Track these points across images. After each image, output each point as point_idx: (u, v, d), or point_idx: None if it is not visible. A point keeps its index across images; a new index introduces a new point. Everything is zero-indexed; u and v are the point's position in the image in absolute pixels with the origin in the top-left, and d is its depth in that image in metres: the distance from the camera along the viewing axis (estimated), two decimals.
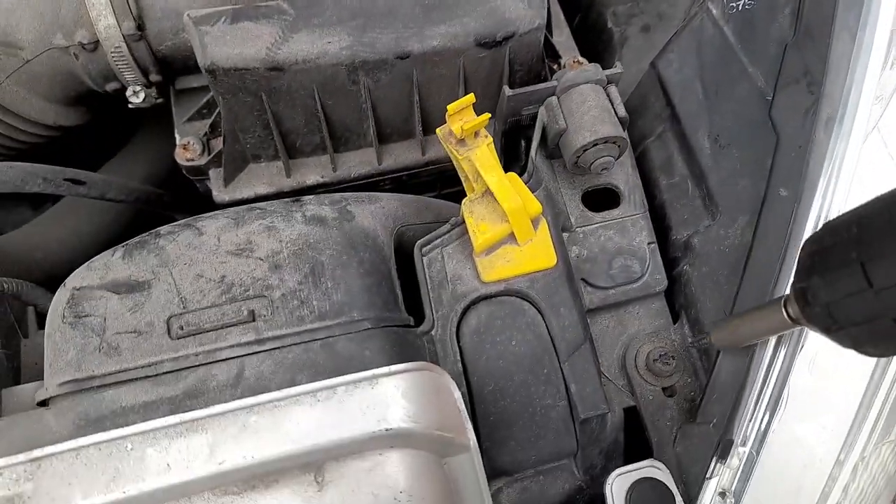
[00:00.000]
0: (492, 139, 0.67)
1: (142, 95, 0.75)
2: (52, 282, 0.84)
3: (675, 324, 0.72)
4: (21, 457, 0.48)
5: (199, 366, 0.55)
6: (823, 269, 0.40)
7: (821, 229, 0.43)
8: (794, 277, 0.45)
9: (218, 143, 0.78)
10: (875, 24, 0.63)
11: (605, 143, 0.67)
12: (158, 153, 0.95)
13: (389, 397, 0.52)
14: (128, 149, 0.96)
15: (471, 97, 0.63)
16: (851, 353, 0.65)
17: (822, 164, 0.62)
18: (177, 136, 0.79)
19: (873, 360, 0.65)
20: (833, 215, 0.61)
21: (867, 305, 0.36)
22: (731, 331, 0.59)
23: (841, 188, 0.61)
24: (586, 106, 0.68)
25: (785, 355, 0.63)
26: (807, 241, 0.44)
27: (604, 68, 0.73)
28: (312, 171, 0.80)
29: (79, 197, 0.78)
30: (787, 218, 0.62)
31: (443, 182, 0.88)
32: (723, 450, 0.63)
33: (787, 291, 0.48)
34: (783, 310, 0.48)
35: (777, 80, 0.67)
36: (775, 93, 0.66)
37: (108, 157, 0.95)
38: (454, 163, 0.67)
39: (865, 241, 0.36)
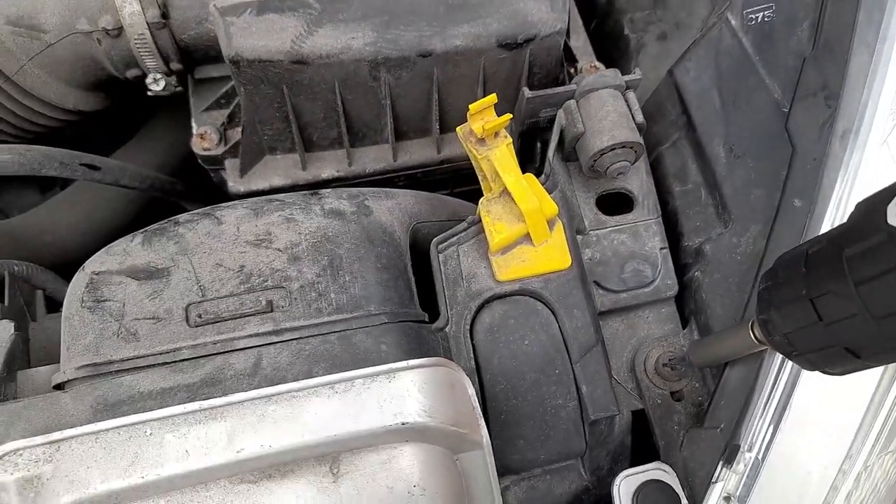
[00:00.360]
0: (511, 140, 0.67)
1: (162, 83, 0.75)
2: (61, 266, 0.84)
3: (684, 329, 0.73)
4: (40, 439, 0.48)
5: (216, 354, 0.55)
6: (779, 304, 0.43)
7: (775, 263, 0.46)
8: (756, 308, 0.47)
9: (235, 134, 0.79)
10: (894, 41, 0.64)
11: (623, 147, 0.68)
12: (171, 141, 0.95)
13: (406, 392, 0.52)
14: (141, 136, 0.96)
15: (493, 97, 0.64)
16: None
17: (836, 176, 0.63)
18: (194, 125, 0.79)
19: (879, 371, 0.66)
20: None
21: (820, 337, 0.40)
22: (706, 350, 0.61)
23: (854, 200, 0.62)
24: (605, 110, 0.69)
25: (793, 364, 0.64)
26: (763, 275, 0.47)
27: (621, 74, 0.74)
28: (328, 164, 0.80)
29: (93, 182, 0.78)
30: (801, 228, 0.63)
31: (456, 180, 0.89)
32: (729, 455, 0.64)
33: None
34: (751, 333, 0.51)
35: (794, 92, 0.67)
36: (792, 105, 0.67)
37: (121, 143, 0.95)
38: (472, 162, 0.68)
39: (813, 279, 0.39)
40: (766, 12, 0.73)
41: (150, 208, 0.96)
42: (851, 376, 0.66)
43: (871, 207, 0.35)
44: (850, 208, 0.62)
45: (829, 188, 0.63)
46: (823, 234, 0.40)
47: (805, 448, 0.65)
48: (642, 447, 0.70)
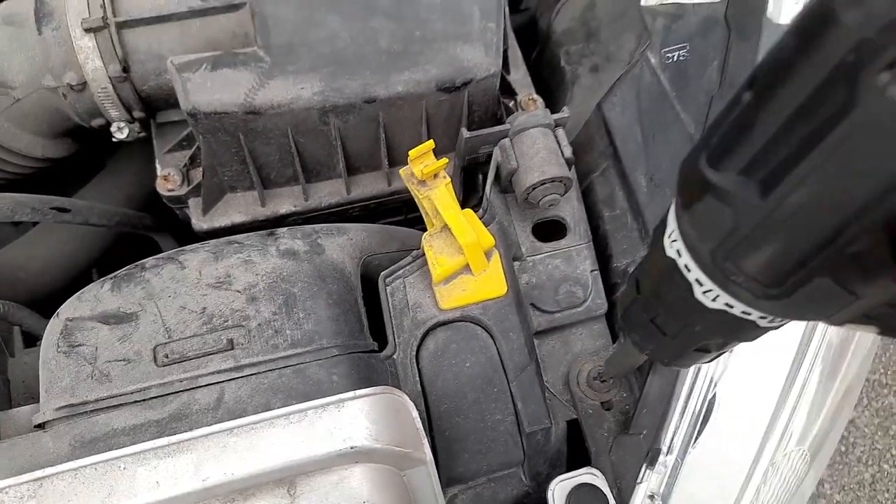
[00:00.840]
0: (450, 180, 0.74)
1: (126, 131, 0.80)
2: (35, 301, 0.89)
3: (614, 343, 0.80)
4: (25, 477, 0.54)
5: (183, 391, 0.61)
6: (631, 327, 0.48)
7: (622, 290, 0.51)
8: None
9: (197, 174, 0.84)
10: None
11: (553, 182, 0.74)
12: (138, 176, 0.99)
13: (354, 419, 0.59)
14: (108, 171, 1.00)
15: (430, 144, 0.70)
16: (765, 372, 0.75)
17: None
18: (158, 167, 0.84)
19: (782, 380, 0.74)
20: None
21: (673, 348, 0.45)
22: (613, 362, 0.66)
23: None
24: (535, 148, 0.75)
25: (707, 373, 0.72)
26: (616, 299, 0.52)
27: (557, 103, 0.80)
28: (286, 200, 0.86)
29: (64, 223, 0.83)
30: None
31: (408, 208, 0.95)
32: (651, 458, 0.71)
33: None
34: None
35: (704, 126, 0.75)
36: None
37: (89, 179, 0.99)
38: (416, 200, 0.74)
39: (649, 303, 0.43)
40: (681, 52, 0.80)
41: (120, 240, 1.00)
42: (757, 385, 0.74)
43: (656, 240, 0.39)
44: None
45: None
46: (645, 257, 0.44)
47: (719, 449, 0.73)
48: (578, 453, 0.78)
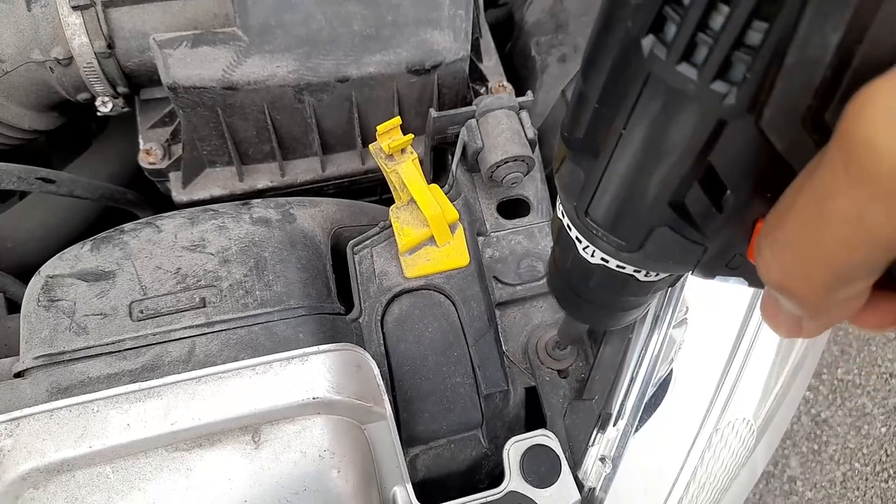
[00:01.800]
0: (416, 155, 0.78)
1: (110, 105, 0.83)
2: (20, 271, 0.92)
3: None
4: (2, 417, 0.57)
5: (156, 344, 0.65)
6: (561, 301, 0.52)
7: (548, 271, 0.55)
8: None
9: (178, 149, 0.88)
10: None
11: (515, 160, 0.78)
12: (121, 154, 1.03)
13: (317, 371, 0.62)
14: (93, 149, 1.04)
15: (397, 120, 0.74)
16: (712, 340, 0.79)
17: None
18: (140, 141, 0.88)
19: (728, 347, 0.79)
20: None
21: (596, 311, 0.49)
22: (562, 331, 0.71)
23: None
24: (500, 129, 0.79)
25: (656, 342, 0.76)
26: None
27: (527, 91, 0.84)
28: (263, 176, 0.90)
29: (48, 193, 0.86)
30: None
31: (383, 188, 0.99)
32: (602, 422, 0.75)
33: None
34: None
35: None
36: None
37: (76, 156, 1.03)
38: (384, 174, 0.78)
39: (564, 274, 0.46)
40: None
41: (104, 215, 1.04)
42: (703, 354, 0.78)
43: (553, 204, 0.43)
44: None
45: None
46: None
47: (668, 413, 0.77)
48: (536, 420, 0.81)
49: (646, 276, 0.38)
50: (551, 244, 0.84)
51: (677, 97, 0.24)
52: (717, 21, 0.22)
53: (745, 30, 0.21)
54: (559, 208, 0.40)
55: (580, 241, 0.38)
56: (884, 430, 2.25)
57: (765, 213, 0.26)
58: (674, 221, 0.30)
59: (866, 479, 2.20)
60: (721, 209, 0.28)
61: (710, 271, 0.34)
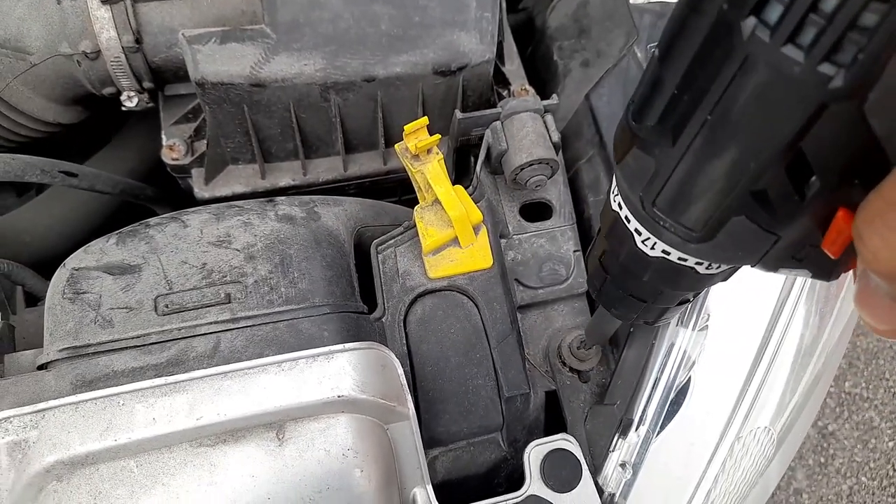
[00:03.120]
0: (442, 156, 0.78)
1: (135, 100, 0.84)
2: (38, 264, 0.92)
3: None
4: (27, 408, 0.57)
5: (181, 339, 0.65)
6: (611, 303, 0.51)
7: (589, 273, 0.53)
8: None
9: (201, 146, 0.88)
10: None
11: (539, 163, 0.78)
12: (143, 149, 1.03)
13: (342, 370, 0.62)
14: (114, 144, 1.04)
15: (424, 120, 0.74)
16: (735, 347, 0.78)
17: None
18: (164, 137, 0.88)
19: (751, 357, 0.78)
20: None
21: (651, 310, 0.48)
22: (592, 331, 0.69)
23: None
24: (525, 131, 0.79)
25: (679, 348, 0.75)
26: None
27: (548, 96, 0.84)
28: (285, 174, 0.89)
29: (70, 187, 0.86)
30: None
31: (403, 189, 0.99)
32: (623, 428, 0.75)
33: None
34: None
35: None
36: None
37: (97, 150, 1.03)
38: (409, 174, 0.78)
39: (617, 277, 0.46)
40: None
41: (121, 211, 1.04)
42: (730, 367, 0.78)
43: (606, 196, 0.42)
44: None
45: None
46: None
47: (689, 421, 0.77)
48: (556, 425, 0.81)
49: (707, 268, 0.37)
50: (574, 248, 0.84)
51: (779, 80, 0.24)
52: (829, 2, 0.21)
53: (862, 11, 0.21)
54: (614, 200, 0.39)
55: (639, 234, 0.37)
56: (891, 444, 2.23)
57: (847, 200, 0.26)
58: (751, 210, 0.29)
59: (873, 494, 2.18)
60: (803, 196, 0.27)
61: (775, 263, 0.33)
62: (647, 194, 0.34)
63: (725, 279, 0.42)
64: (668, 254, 0.37)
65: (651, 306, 0.47)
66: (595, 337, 0.69)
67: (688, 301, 0.47)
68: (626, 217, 0.38)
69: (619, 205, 0.38)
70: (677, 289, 0.43)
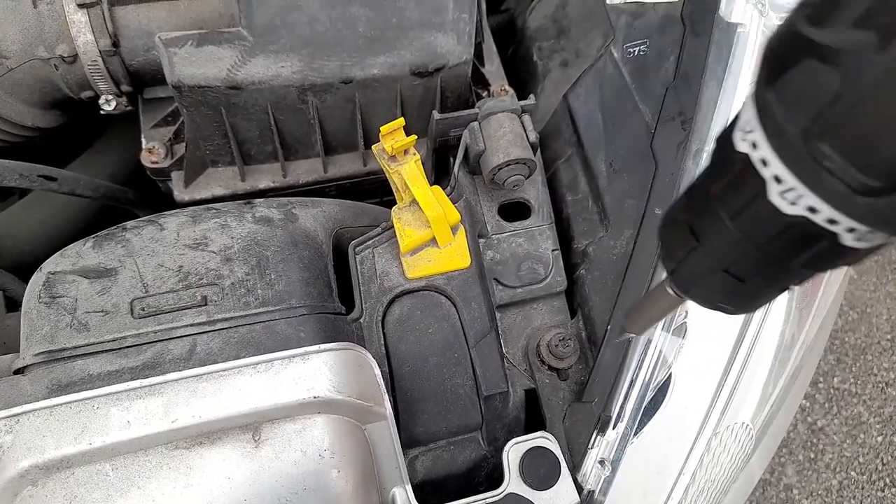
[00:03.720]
0: (419, 157, 0.78)
1: (113, 104, 0.84)
2: (20, 269, 0.92)
3: (572, 318, 0.84)
4: (2, 413, 0.57)
5: (157, 342, 0.65)
6: (693, 282, 0.42)
7: (661, 249, 0.45)
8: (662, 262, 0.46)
9: (180, 149, 0.88)
10: (738, 74, 0.77)
11: (517, 163, 0.79)
12: (123, 153, 1.03)
13: (318, 370, 0.62)
14: (95, 148, 1.04)
15: (401, 121, 0.74)
16: (712, 344, 0.79)
17: None
18: (143, 140, 0.88)
19: (727, 352, 0.79)
20: None
21: (749, 291, 0.38)
22: (638, 317, 0.57)
23: None
24: (502, 131, 0.79)
25: (655, 347, 0.76)
26: (659, 256, 0.49)
27: (529, 95, 0.85)
28: (265, 176, 0.90)
29: (50, 191, 0.86)
30: None
31: (383, 190, 0.99)
32: (602, 425, 0.75)
33: None
34: (668, 289, 0.47)
35: (658, 116, 0.79)
36: (656, 127, 0.79)
37: (77, 155, 1.03)
38: (386, 175, 0.79)
39: (691, 205, 0.39)
40: (641, 47, 0.85)
41: (103, 214, 1.04)
42: (702, 358, 0.79)
43: (723, 139, 0.34)
44: None
45: None
46: (699, 176, 0.38)
47: (667, 418, 0.77)
48: (536, 423, 0.81)
49: (858, 239, 0.30)
50: (552, 247, 0.84)
51: None
52: None
53: None
54: (743, 139, 0.31)
55: (779, 182, 0.30)
56: (880, 438, 2.25)
57: None
58: None
59: (862, 488, 2.20)
60: None
61: None
62: (817, 123, 0.27)
63: (861, 259, 0.33)
64: (815, 212, 0.29)
65: (746, 288, 0.37)
66: (640, 324, 0.58)
67: (789, 288, 0.38)
68: (763, 160, 0.30)
69: (753, 144, 0.30)
70: (803, 265, 0.34)
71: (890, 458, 2.23)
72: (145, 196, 1.01)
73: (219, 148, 0.85)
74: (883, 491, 2.20)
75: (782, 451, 2.24)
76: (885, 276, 2.49)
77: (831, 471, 2.22)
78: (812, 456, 2.24)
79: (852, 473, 2.22)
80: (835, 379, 2.35)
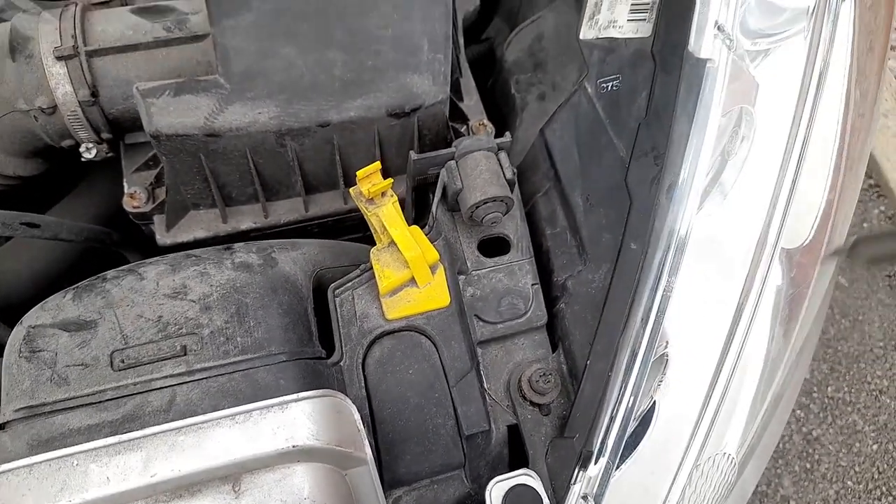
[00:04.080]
0: (396, 198, 0.79)
1: (94, 151, 0.85)
2: (5, 313, 0.92)
3: (553, 353, 0.85)
4: None
5: (136, 394, 0.65)
6: None
7: None
8: None
9: (162, 193, 0.89)
10: (709, 110, 0.78)
11: (494, 201, 0.80)
12: (106, 197, 1.04)
13: (296, 419, 0.63)
14: (77, 192, 1.04)
15: (377, 165, 0.75)
16: (689, 378, 0.79)
17: (663, 223, 0.75)
18: (125, 185, 0.89)
19: (706, 382, 0.79)
20: (671, 267, 0.75)
21: None
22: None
23: (677, 243, 0.75)
24: (479, 170, 0.80)
25: (634, 380, 0.76)
26: None
27: (506, 128, 0.86)
28: (247, 217, 0.91)
29: (33, 238, 0.87)
30: (636, 267, 0.76)
31: (366, 226, 1.00)
32: (584, 460, 0.76)
33: None
34: None
35: (632, 151, 0.81)
36: (630, 162, 0.80)
37: (61, 198, 1.04)
38: (365, 217, 0.79)
39: None
40: (614, 82, 0.86)
41: (89, 254, 1.04)
42: (679, 386, 0.79)
43: None
44: (674, 250, 0.76)
45: (658, 234, 0.76)
46: None
47: (647, 451, 0.78)
48: (520, 458, 0.82)
49: None
50: (532, 281, 0.85)
51: None
52: None
53: None
54: None
55: None
56: (875, 447, 2.25)
57: None
58: None
59: (859, 497, 2.20)
60: None
61: None
62: None
63: None
64: None
65: None
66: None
67: None
68: None
69: None
70: None
71: (886, 466, 2.24)
72: (130, 237, 1.01)
73: (199, 192, 0.86)
74: (880, 500, 2.20)
75: (778, 462, 2.24)
76: (876, 283, 2.50)
77: (828, 481, 2.22)
78: (808, 466, 2.24)
79: (849, 483, 2.22)
80: (829, 388, 2.36)
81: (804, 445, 2.28)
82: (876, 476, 2.24)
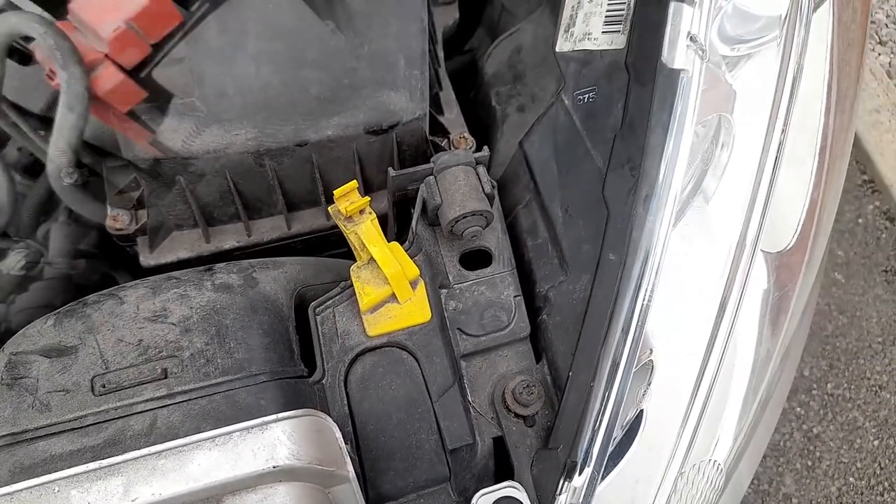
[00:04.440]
0: (375, 215, 0.80)
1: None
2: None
3: (537, 363, 0.85)
4: None
5: (118, 418, 0.66)
6: None
7: None
8: None
9: (145, 214, 0.89)
10: (683, 121, 0.78)
11: (473, 215, 0.80)
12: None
13: (277, 440, 0.63)
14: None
15: (354, 183, 0.76)
16: (673, 385, 0.80)
17: (640, 234, 0.76)
18: (108, 208, 0.90)
19: (688, 393, 0.80)
20: (651, 276, 0.75)
21: None
22: None
23: (655, 254, 0.76)
24: (457, 185, 0.81)
25: (616, 390, 0.77)
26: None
27: (488, 140, 0.86)
28: (230, 236, 0.91)
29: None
30: (615, 278, 0.76)
31: None
32: (569, 471, 0.76)
33: None
34: None
35: (608, 163, 0.81)
36: (607, 174, 0.81)
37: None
38: (344, 235, 0.80)
39: None
40: (590, 94, 0.87)
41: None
42: (667, 395, 0.79)
43: None
44: (651, 261, 0.76)
45: (635, 244, 0.76)
46: None
47: (632, 460, 0.78)
48: (506, 469, 0.82)
49: None
50: (514, 293, 0.85)
51: None
52: None
53: None
54: None
55: None
56: (876, 442, 2.25)
57: None
58: None
59: (861, 494, 2.19)
60: None
61: None
62: None
63: None
64: None
65: None
66: None
67: None
68: None
69: None
70: None
71: (888, 461, 2.23)
72: (115, 257, 1.02)
73: (181, 213, 0.87)
74: (882, 495, 2.19)
75: (779, 459, 2.24)
76: (873, 279, 2.50)
77: (829, 478, 2.22)
78: (809, 464, 2.23)
79: (850, 479, 2.22)
80: (828, 385, 2.35)
81: (805, 443, 2.28)
82: (878, 472, 2.23)
